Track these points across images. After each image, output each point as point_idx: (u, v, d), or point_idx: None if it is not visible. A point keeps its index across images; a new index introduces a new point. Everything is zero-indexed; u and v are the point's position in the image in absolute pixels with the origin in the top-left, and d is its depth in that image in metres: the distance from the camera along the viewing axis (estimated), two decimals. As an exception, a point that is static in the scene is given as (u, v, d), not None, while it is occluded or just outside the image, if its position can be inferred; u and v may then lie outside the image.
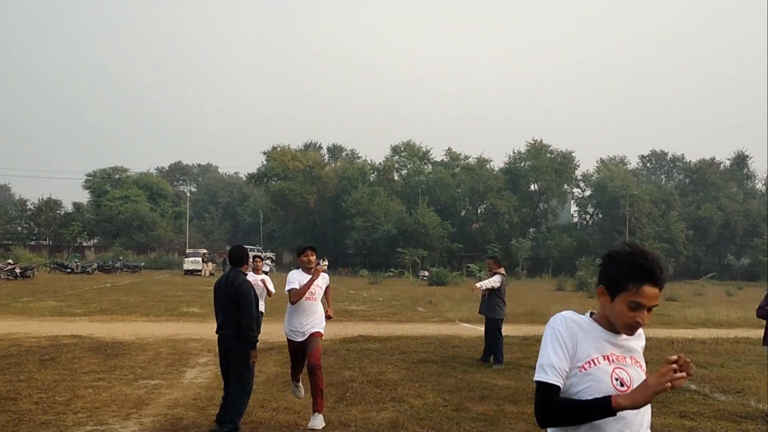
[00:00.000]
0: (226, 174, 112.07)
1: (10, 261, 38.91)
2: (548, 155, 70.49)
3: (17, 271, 35.05)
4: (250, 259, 6.68)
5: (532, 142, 71.57)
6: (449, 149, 76.94)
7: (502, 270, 11.17)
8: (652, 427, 6.18)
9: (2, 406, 6.94)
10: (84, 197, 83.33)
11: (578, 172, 75.20)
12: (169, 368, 9.55)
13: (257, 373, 8.83)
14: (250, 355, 6.05)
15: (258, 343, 6.31)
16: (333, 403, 7.43)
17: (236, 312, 6.09)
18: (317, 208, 69.37)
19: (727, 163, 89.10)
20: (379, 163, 75.55)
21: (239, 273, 6.35)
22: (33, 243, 73.32)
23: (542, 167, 68.96)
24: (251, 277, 7.59)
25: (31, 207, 76.13)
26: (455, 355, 11.26)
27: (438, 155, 77.34)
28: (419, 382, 8.78)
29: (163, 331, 14.01)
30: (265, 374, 9.04)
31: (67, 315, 17.06)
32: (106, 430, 6.22)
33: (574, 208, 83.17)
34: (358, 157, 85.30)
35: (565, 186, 74.65)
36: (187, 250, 58.61)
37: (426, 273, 47.41)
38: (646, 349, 8.30)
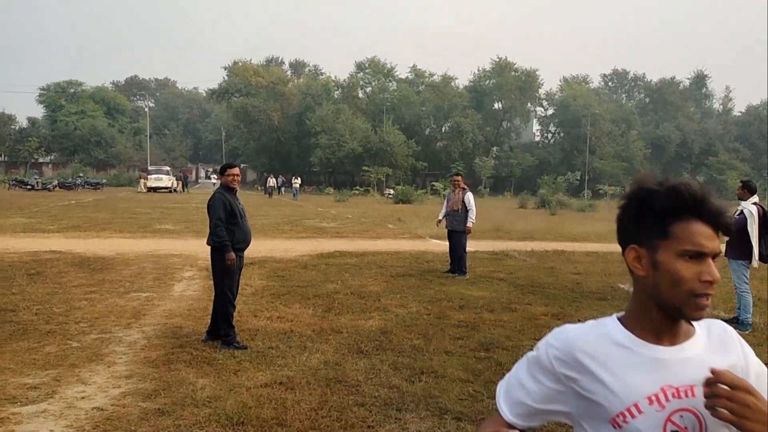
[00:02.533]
0: (185, 89, 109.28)
1: (-32, 178, 38.03)
2: (513, 73, 70.46)
3: (-23, 188, 34.36)
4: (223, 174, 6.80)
5: (497, 59, 71.30)
6: (414, 66, 76.32)
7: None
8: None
9: (4, 317, 7.18)
10: (38, 112, 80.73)
11: (542, 91, 75.62)
12: (156, 282, 9.84)
13: (245, 285, 9.21)
14: (225, 258, 6.31)
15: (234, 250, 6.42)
16: (322, 313, 7.86)
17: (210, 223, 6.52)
18: (281, 126, 68.59)
19: (687, 82, 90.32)
20: (344, 80, 74.60)
21: (219, 186, 6.66)
22: (-13, 159, 71.27)
23: (507, 85, 69.04)
24: None
25: (-17, 122, 73.35)
26: (430, 269, 11.77)
27: (403, 72, 76.61)
28: (400, 293, 9.27)
29: (140, 247, 14.20)
30: (252, 287, 9.40)
31: (40, 231, 17.06)
32: (111, 337, 6.54)
33: (536, 126, 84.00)
34: (322, 74, 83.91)
35: (529, 105, 75.09)
36: (149, 167, 57.85)
37: (391, 191, 47.96)
38: (606, 262, 8.97)
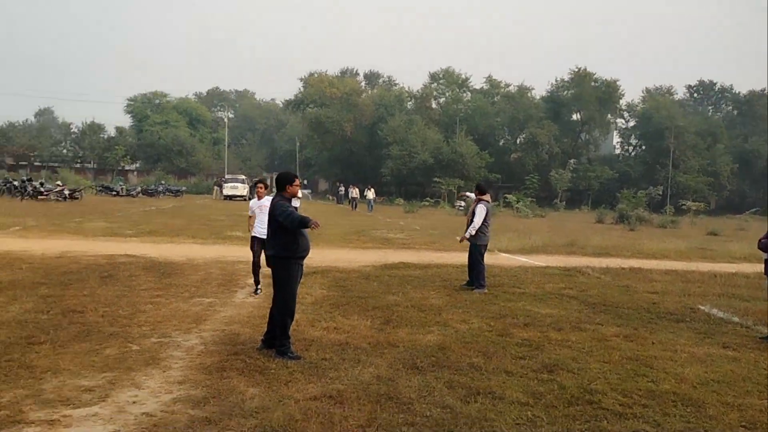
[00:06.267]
0: (262, 100, 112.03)
1: (59, 183, 40.13)
2: (592, 84, 68.52)
3: (66, 192, 36.17)
4: (293, 185, 6.66)
5: (576, 69, 69.54)
6: (489, 77, 75.44)
7: (487, 197, 11.30)
8: (695, 356, 6.31)
9: (71, 319, 7.37)
10: (126, 122, 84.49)
11: (623, 102, 73.16)
12: (220, 288, 9.95)
13: (305, 294, 9.16)
14: (310, 223, 6.13)
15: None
16: (380, 325, 7.70)
17: (273, 233, 6.38)
18: (353, 136, 69.15)
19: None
20: (417, 91, 74.52)
21: (276, 196, 6.52)
22: (78, 166, 75.04)
23: (585, 96, 67.19)
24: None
25: (75, 130, 77.55)
26: (497, 283, 11.42)
27: (477, 83, 75.94)
28: (462, 308, 9.01)
29: (210, 253, 14.47)
30: (313, 296, 9.35)
31: (119, 236, 17.70)
32: (170, 342, 6.60)
33: (616, 139, 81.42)
34: (395, 84, 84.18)
35: (609, 116, 72.81)
36: (226, 176, 59.42)
37: (462, 203, 47.33)
38: (686, 282, 8.44)
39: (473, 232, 10.86)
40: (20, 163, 73.18)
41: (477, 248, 10.92)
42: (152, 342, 6.58)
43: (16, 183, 37.66)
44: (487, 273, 11.36)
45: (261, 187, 9.80)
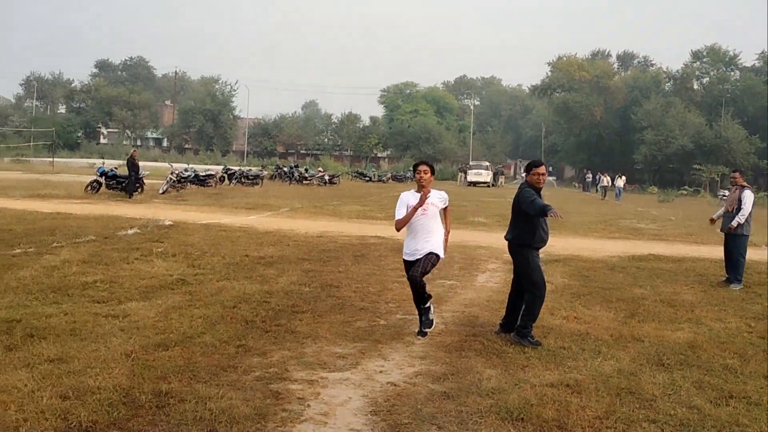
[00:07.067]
0: (508, 86, 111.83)
1: (320, 169, 44.31)
2: None
3: (326, 178, 39.78)
4: (530, 173, 6.58)
5: None
6: (762, 52, 66.71)
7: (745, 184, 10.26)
8: None
9: (328, 292, 8.18)
10: (379, 111, 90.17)
11: None
12: (462, 271, 10.28)
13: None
14: (551, 212, 5.84)
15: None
16: (624, 318, 7.38)
17: (514, 219, 6.44)
18: (603, 121, 66.07)
19: None
20: (676, 71, 68.72)
21: (523, 182, 6.55)
22: (336, 153, 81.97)
23: None
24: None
25: (335, 121, 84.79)
26: (762, 282, 10.24)
27: (749, 60, 67.67)
28: (719, 305, 8.26)
29: (452, 237, 14.81)
30: (554, 284, 9.22)
31: (370, 218, 19.05)
32: (413, 319, 7.00)
33: None
34: (652, 65, 78.62)
35: None
36: (471, 162, 60.49)
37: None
38: None
39: (741, 220, 9.89)
40: (289, 151, 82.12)
41: (741, 239, 9.96)
42: (397, 318, 7.05)
43: (285, 169, 42.29)
44: (751, 270, 10.21)
45: (425, 171, 6.41)
